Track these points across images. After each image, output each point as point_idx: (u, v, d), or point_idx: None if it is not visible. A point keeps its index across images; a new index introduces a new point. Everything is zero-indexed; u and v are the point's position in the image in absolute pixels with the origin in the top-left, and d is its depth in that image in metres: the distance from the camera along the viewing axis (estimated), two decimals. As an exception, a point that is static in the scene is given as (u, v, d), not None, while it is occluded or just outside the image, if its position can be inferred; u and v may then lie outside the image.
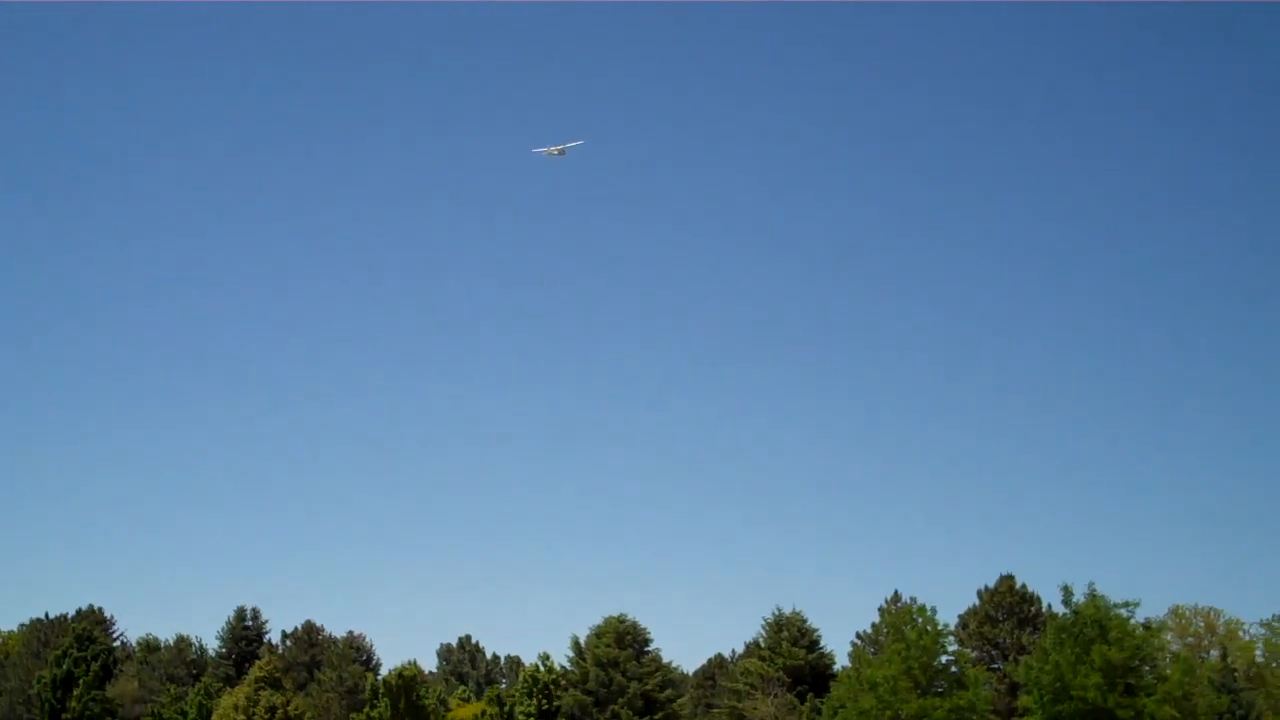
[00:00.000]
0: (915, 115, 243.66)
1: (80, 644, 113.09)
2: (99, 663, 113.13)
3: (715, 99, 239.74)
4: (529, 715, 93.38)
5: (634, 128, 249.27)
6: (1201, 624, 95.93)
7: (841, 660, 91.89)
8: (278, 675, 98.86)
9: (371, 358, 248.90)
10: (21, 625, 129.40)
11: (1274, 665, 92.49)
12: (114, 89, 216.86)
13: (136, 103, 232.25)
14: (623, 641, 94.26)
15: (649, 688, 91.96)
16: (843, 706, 77.91)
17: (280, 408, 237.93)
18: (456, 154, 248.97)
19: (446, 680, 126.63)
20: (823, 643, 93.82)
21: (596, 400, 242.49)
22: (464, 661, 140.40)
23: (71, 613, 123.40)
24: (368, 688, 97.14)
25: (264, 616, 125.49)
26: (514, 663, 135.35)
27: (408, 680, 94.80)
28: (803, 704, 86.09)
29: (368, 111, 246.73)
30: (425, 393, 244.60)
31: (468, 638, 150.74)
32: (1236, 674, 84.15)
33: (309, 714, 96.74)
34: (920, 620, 79.21)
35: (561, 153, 68.09)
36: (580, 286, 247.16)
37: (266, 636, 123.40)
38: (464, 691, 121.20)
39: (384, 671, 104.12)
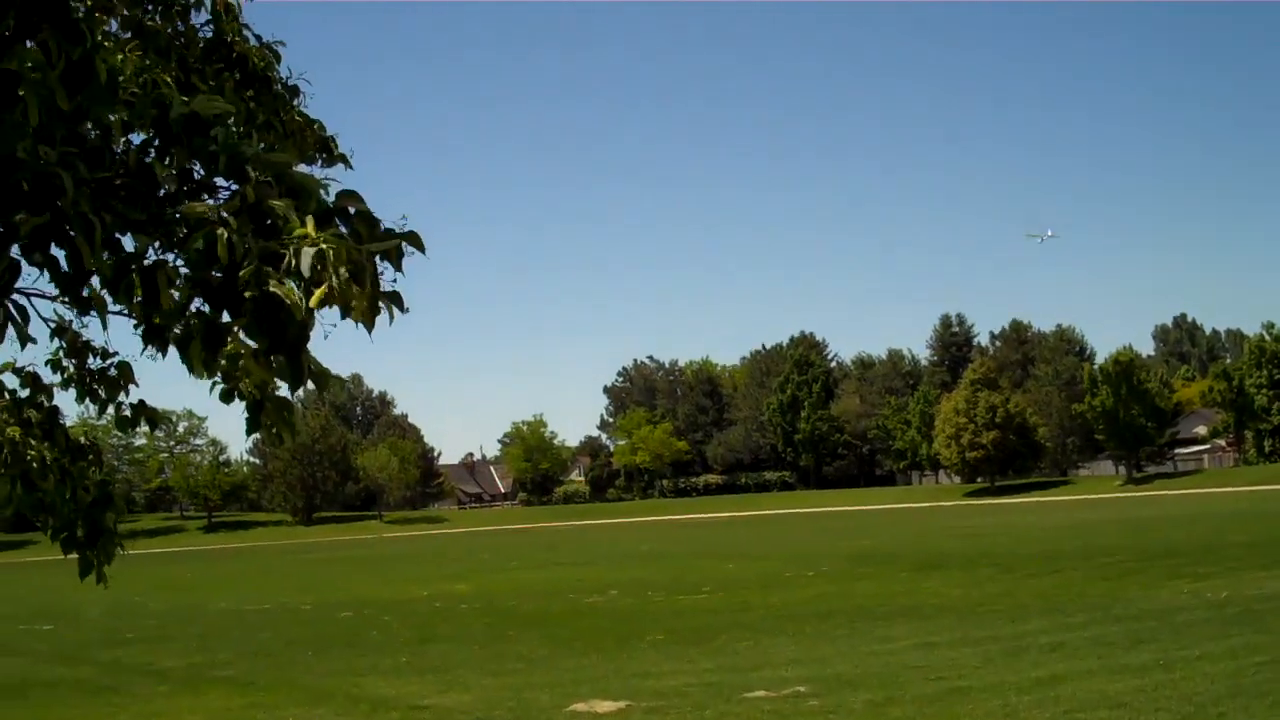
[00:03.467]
0: None
1: (800, 369, 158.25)
2: (819, 384, 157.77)
3: None
4: (1260, 387, 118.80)
5: None
6: None
7: None
8: (992, 376, 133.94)
9: None
10: (743, 359, 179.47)
11: None
12: None
13: None
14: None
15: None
16: None
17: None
18: None
19: (1166, 362, 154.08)
20: None
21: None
22: (1182, 341, 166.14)
23: (786, 341, 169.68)
24: (1085, 377, 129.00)
25: (969, 321, 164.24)
26: (1235, 337, 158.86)
27: (1125, 365, 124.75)
28: None
29: None
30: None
31: (1183, 316, 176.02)
32: None
33: (1029, 409, 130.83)
34: None
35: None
36: None
37: (975, 340, 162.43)
38: (1186, 370, 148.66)
39: (1099, 360, 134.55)
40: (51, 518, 5.70)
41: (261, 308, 3.12)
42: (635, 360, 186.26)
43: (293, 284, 3.08)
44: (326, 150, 5.18)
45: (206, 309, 3.42)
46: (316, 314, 3.18)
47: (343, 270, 3.05)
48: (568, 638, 23.97)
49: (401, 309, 3.48)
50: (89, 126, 3.36)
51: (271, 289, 3.09)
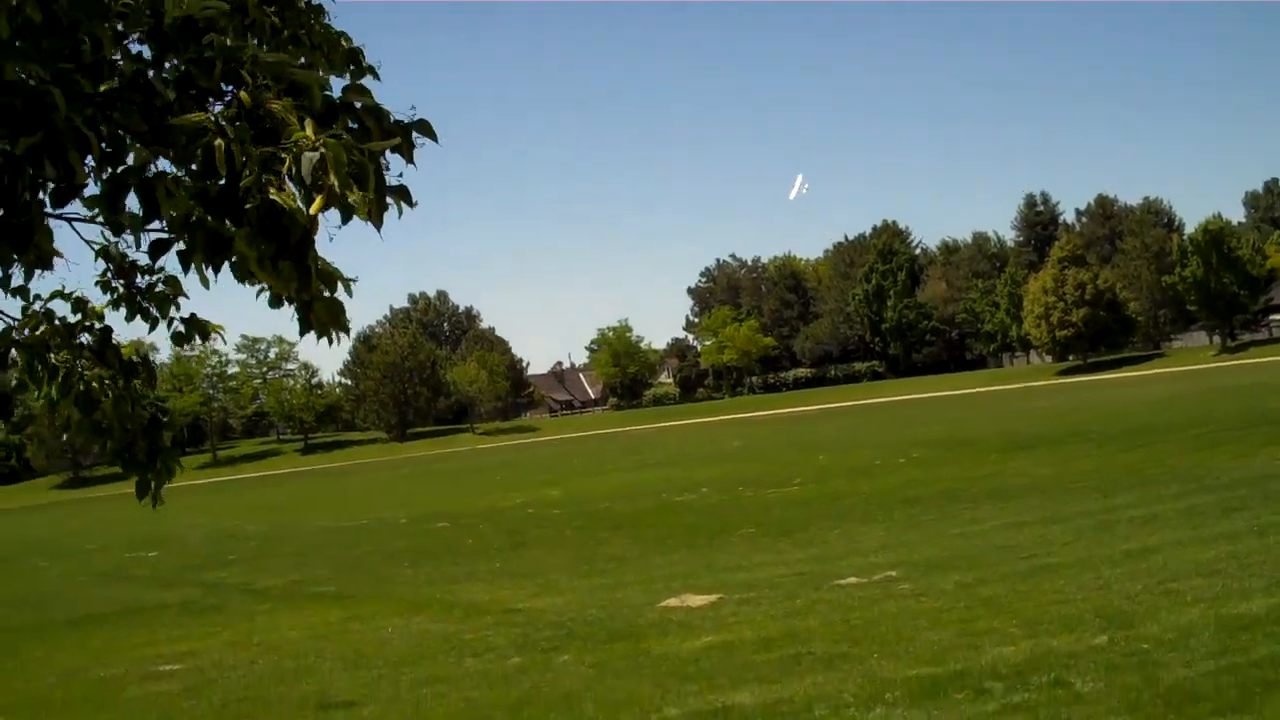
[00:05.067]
0: None
1: (884, 258, 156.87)
2: (904, 272, 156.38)
3: None
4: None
5: None
6: None
7: None
8: (1079, 253, 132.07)
9: None
10: (826, 251, 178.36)
11: None
12: None
13: None
14: None
15: None
16: None
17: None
18: None
19: (1258, 228, 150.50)
20: None
21: None
22: (1274, 206, 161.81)
23: (869, 231, 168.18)
24: (1174, 249, 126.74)
25: (1054, 199, 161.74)
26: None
27: (1215, 234, 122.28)
28: None
29: None
30: None
31: (1274, 180, 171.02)
32: None
33: (1118, 284, 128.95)
34: None
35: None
36: None
37: (1060, 218, 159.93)
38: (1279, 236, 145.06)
39: (1188, 230, 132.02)
40: (109, 439, 5.77)
41: (263, 216, 3.10)
42: (717, 260, 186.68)
43: (294, 189, 3.05)
44: (355, 62, 5.12)
45: (209, 219, 3.42)
46: (321, 217, 3.16)
47: (343, 173, 3.02)
48: (659, 536, 24.15)
49: (410, 203, 3.46)
50: (84, 41, 3.32)
51: (272, 196, 3.06)
